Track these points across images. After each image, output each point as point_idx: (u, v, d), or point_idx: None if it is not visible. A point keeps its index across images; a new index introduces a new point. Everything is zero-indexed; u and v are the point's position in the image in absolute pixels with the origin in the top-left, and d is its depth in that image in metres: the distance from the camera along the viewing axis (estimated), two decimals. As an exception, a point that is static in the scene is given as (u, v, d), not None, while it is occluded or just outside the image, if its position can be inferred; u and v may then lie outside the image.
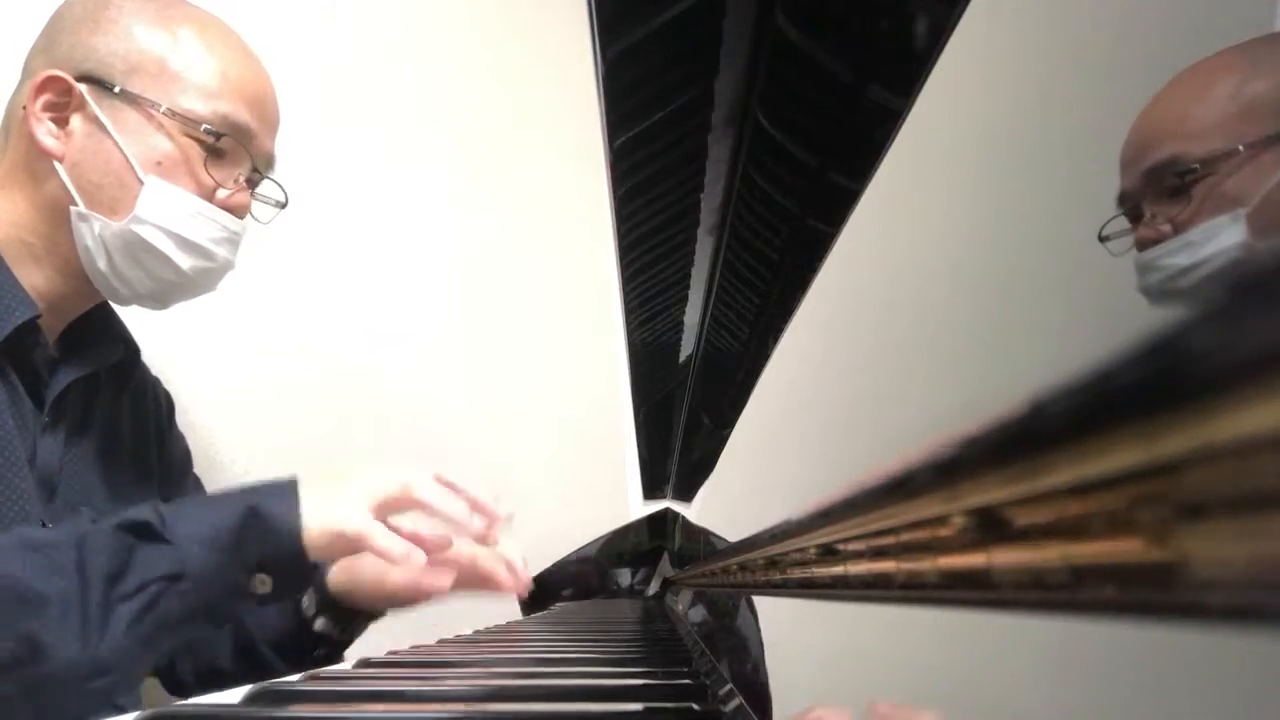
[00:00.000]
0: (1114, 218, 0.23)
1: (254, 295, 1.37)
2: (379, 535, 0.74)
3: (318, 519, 0.73)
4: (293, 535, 0.72)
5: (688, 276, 0.92)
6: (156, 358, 1.05)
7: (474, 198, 1.63)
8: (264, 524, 0.72)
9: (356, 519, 0.74)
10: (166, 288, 0.87)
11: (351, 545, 0.74)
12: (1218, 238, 0.21)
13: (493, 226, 1.64)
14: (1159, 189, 0.22)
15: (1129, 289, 0.22)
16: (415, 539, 0.76)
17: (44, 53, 0.84)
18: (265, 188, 0.92)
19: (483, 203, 1.64)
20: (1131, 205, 0.23)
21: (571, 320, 1.67)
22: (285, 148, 0.96)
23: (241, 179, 0.88)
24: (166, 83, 0.84)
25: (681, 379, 1.22)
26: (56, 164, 0.82)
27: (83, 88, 0.82)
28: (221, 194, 0.87)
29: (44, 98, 0.82)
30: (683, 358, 1.16)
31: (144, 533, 0.70)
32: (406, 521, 0.78)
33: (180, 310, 0.96)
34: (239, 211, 0.88)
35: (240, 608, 0.75)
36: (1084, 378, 0.14)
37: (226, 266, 0.89)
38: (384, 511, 0.76)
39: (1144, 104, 0.23)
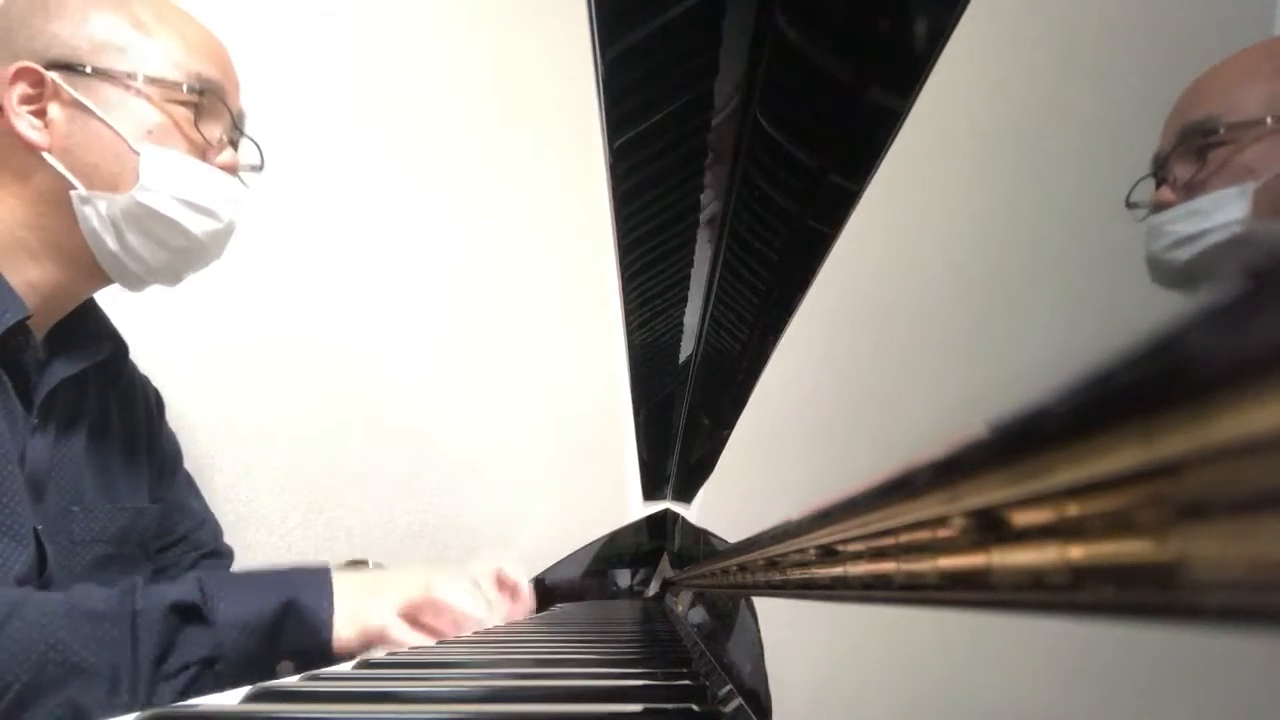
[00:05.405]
0: (1142, 179, 0.22)
1: (249, 295, 1.37)
2: (396, 630, 0.82)
3: (347, 617, 0.80)
4: (324, 630, 0.79)
5: (688, 277, 0.91)
6: (148, 358, 1.05)
7: (473, 198, 1.63)
8: (300, 616, 0.78)
9: (381, 617, 0.82)
10: (178, 257, 0.88)
11: (373, 639, 0.82)
12: (1225, 208, 0.21)
13: (492, 227, 1.64)
14: (1188, 150, 0.22)
15: (1130, 288, 0.22)
16: (430, 632, 0.84)
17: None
18: (243, 154, 0.93)
19: (482, 203, 1.64)
20: (1161, 167, 0.22)
21: (571, 320, 1.66)
22: (283, 148, 0.96)
23: (225, 138, 0.89)
24: (134, 54, 0.84)
25: (681, 379, 1.22)
26: (46, 155, 0.82)
27: (54, 75, 0.82)
28: (212, 154, 0.88)
29: (18, 91, 0.81)
30: (683, 358, 1.16)
31: (191, 615, 0.75)
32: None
33: (173, 310, 0.96)
34: (230, 171, 0.90)
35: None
36: (1084, 378, 0.14)
37: (231, 228, 0.91)
38: (410, 611, 0.85)
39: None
